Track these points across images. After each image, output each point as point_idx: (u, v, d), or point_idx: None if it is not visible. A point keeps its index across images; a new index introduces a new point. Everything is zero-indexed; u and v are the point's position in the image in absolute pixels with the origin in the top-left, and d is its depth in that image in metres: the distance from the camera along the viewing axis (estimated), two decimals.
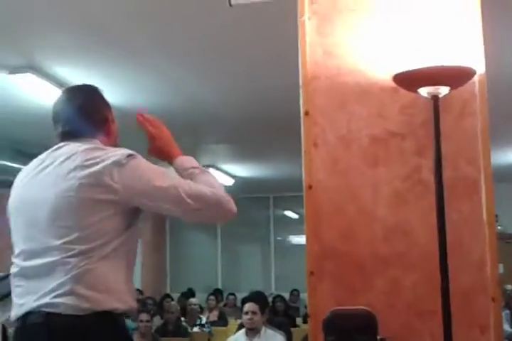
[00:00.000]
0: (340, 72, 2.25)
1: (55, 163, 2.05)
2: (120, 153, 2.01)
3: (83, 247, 1.94)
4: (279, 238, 12.15)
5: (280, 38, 4.15)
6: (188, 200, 1.98)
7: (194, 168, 2.15)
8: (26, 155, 7.20)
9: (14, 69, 4.85)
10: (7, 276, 3.05)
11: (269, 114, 6.38)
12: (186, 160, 2.20)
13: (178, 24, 4.09)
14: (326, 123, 2.26)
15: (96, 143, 2.11)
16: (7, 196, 2.27)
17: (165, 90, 5.62)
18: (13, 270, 2.08)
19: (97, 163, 1.99)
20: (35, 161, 2.16)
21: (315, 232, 2.24)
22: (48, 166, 2.08)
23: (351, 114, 2.23)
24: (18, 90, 5.27)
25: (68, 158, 2.03)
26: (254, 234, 12.32)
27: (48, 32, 4.23)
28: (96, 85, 2.28)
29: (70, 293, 1.92)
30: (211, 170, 9.10)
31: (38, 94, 5.31)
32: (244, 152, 8.42)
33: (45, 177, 2.06)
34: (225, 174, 9.57)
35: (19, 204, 2.12)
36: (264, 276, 11.90)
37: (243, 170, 9.61)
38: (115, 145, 2.18)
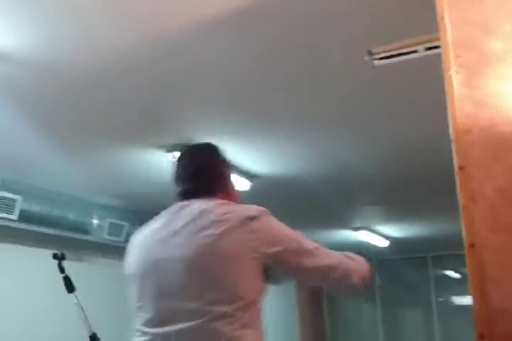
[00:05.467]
0: (494, 123, 2.17)
1: (187, 221, 1.97)
2: (254, 208, 1.99)
3: (223, 309, 1.80)
4: (440, 299, 11.60)
5: (421, 93, 4.10)
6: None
7: None
8: None
9: (171, 148, 5.12)
10: None
11: (418, 171, 6.26)
12: None
13: (318, 89, 4.17)
14: (483, 177, 2.16)
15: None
16: None
17: (310, 156, 5.69)
18: (140, 339, 1.91)
19: (233, 218, 1.92)
20: (156, 222, 2.07)
21: (481, 293, 2.11)
22: (176, 225, 1.99)
23: (510, 166, 2.13)
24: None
25: (201, 214, 1.96)
26: (415, 296, 11.85)
27: (200, 110, 4.47)
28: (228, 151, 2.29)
29: None
30: (365, 232, 8.97)
31: None
32: (397, 211, 8.26)
33: (176, 237, 1.95)
34: (379, 235, 9.40)
35: (147, 267, 1.98)
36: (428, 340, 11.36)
37: (397, 231, 9.39)
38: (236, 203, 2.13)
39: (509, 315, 2.07)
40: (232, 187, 2.19)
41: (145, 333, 1.90)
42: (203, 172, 2.14)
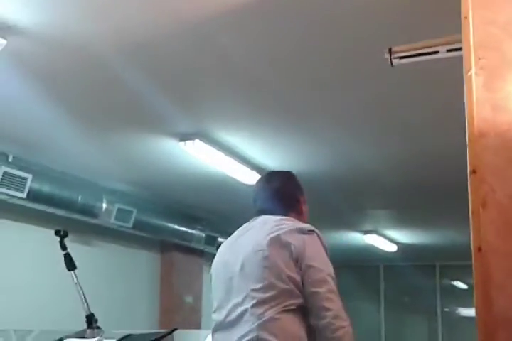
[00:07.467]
0: (511, 128, 2.12)
1: (252, 229, 2.48)
2: (306, 225, 2.42)
3: (265, 296, 2.27)
4: (446, 309, 11.51)
5: (442, 97, 4.05)
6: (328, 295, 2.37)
7: None
8: (194, 219, 7.47)
9: (184, 137, 5.10)
10: (169, 333, 3.14)
11: (432, 179, 6.20)
12: None
13: (338, 88, 4.14)
14: (496, 182, 2.12)
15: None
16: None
17: (326, 155, 5.65)
18: (213, 327, 2.44)
19: (284, 228, 2.37)
20: (237, 231, 2.60)
21: (486, 299, 2.07)
22: (245, 233, 2.50)
23: None
24: (187, 156, 5.52)
25: (263, 225, 2.45)
26: (420, 304, 11.77)
27: (216, 100, 4.43)
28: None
29: (256, 339, 2.23)
30: (373, 235, 8.92)
31: (206, 160, 5.53)
32: (407, 217, 8.19)
33: (242, 242, 2.48)
34: (387, 240, 9.34)
35: (221, 264, 2.53)
36: None
37: (406, 236, 9.32)
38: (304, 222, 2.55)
39: None
40: (304, 210, 2.63)
41: (214, 320, 2.43)
42: (278, 195, 2.58)
